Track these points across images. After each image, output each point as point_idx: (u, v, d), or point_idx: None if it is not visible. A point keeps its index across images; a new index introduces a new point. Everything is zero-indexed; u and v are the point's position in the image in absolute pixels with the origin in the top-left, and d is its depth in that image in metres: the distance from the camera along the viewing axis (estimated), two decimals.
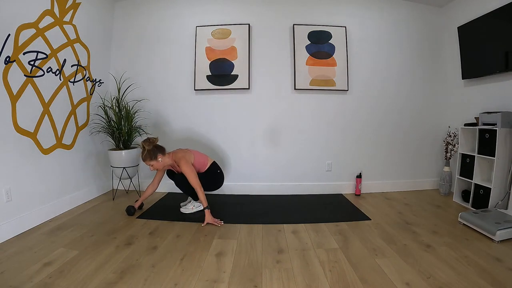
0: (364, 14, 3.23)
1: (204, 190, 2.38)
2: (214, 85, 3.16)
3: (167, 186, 3.26)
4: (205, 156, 2.61)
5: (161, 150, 2.41)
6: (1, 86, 1.96)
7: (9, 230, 2.01)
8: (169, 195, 3.16)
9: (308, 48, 3.15)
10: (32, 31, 2.18)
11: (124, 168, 2.92)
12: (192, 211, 2.54)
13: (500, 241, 1.94)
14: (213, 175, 2.59)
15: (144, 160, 2.38)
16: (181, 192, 2.62)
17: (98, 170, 3.11)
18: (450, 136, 3.14)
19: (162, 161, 2.39)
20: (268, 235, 2.14)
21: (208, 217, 2.30)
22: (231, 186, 3.20)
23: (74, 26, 2.67)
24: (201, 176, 2.44)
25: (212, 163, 2.62)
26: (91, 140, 2.99)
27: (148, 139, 2.38)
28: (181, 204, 2.70)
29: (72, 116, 2.72)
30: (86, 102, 2.91)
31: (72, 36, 2.65)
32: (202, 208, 2.47)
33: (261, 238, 2.08)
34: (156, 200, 2.93)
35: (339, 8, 3.21)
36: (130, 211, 2.48)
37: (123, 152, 2.90)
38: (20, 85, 2.11)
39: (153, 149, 2.35)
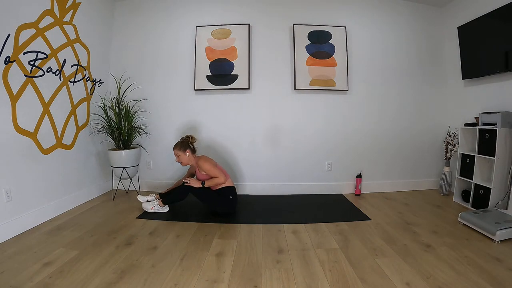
0: (364, 14, 3.23)
1: (214, 207, 2.54)
2: (214, 85, 3.16)
3: (167, 186, 3.27)
4: (226, 175, 2.56)
5: (192, 149, 2.63)
6: (1, 86, 1.96)
7: (9, 230, 2.01)
8: None
9: (308, 48, 3.15)
10: (32, 31, 2.18)
11: (124, 168, 2.92)
12: (151, 211, 2.56)
13: (500, 241, 1.94)
14: (222, 198, 2.51)
15: (174, 148, 2.59)
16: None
17: (98, 170, 3.11)
18: (450, 136, 3.13)
19: (188, 157, 2.59)
20: (268, 235, 2.14)
21: (194, 182, 2.49)
22: None
23: (74, 26, 2.67)
24: (211, 192, 2.49)
25: (229, 187, 2.55)
26: (91, 140, 2.99)
27: (188, 136, 2.65)
28: (141, 198, 2.67)
29: (72, 116, 2.72)
30: (86, 102, 2.91)
31: (72, 36, 2.65)
32: (161, 210, 2.57)
33: (261, 238, 2.08)
34: None
35: (339, 8, 3.21)
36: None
37: (123, 152, 2.90)
38: (20, 85, 2.11)
39: (186, 143, 2.60)
